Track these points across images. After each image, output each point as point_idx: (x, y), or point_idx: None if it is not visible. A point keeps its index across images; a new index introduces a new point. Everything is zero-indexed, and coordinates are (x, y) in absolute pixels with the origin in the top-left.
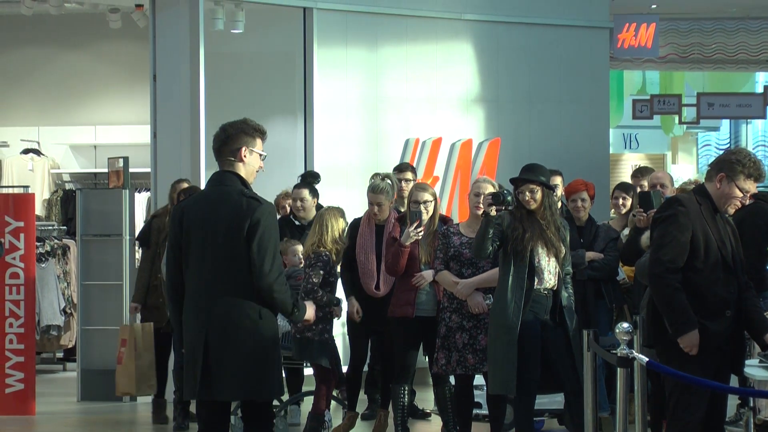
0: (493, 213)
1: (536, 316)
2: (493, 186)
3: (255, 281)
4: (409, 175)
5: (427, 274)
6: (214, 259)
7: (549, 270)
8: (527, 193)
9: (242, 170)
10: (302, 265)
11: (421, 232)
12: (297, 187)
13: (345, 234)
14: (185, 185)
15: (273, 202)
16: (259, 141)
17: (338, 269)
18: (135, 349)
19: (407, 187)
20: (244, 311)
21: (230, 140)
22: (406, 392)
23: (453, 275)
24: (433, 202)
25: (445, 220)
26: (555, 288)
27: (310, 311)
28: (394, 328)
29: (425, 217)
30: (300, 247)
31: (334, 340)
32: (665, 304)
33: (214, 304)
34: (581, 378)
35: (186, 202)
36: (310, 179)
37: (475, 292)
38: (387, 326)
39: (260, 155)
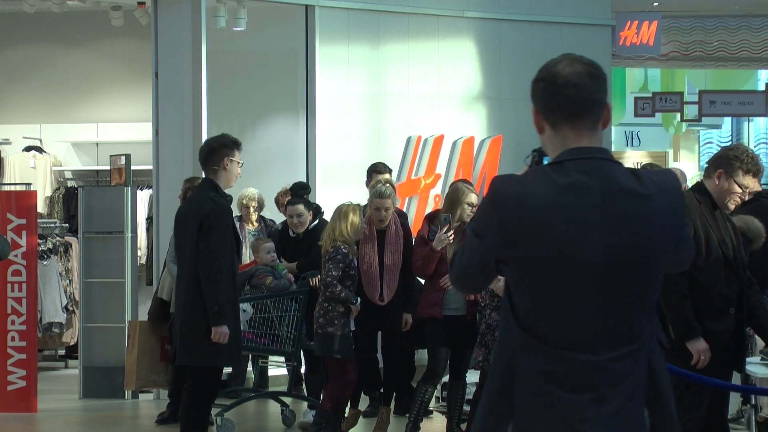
0: None
1: None
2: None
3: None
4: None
5: None
6: (183, 250)
7: None
8: None
9: (223, 177)
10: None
11: (452, 236)
12: (291, 203)
13: (357, 229)
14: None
15: (274, 200)
16: (236, 152)
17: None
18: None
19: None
20: (194, 294)
21: (213, 152)
22: (429, 393)
23: None
24: None
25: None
26: None
27: (222, 330)
28: (424, 328)
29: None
30: (271, 245)
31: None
32: (673, 310)
33: (180, 288)
34: None
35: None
36: (301, 192)
37: None
38: (391, 325)
39: (238, 163)
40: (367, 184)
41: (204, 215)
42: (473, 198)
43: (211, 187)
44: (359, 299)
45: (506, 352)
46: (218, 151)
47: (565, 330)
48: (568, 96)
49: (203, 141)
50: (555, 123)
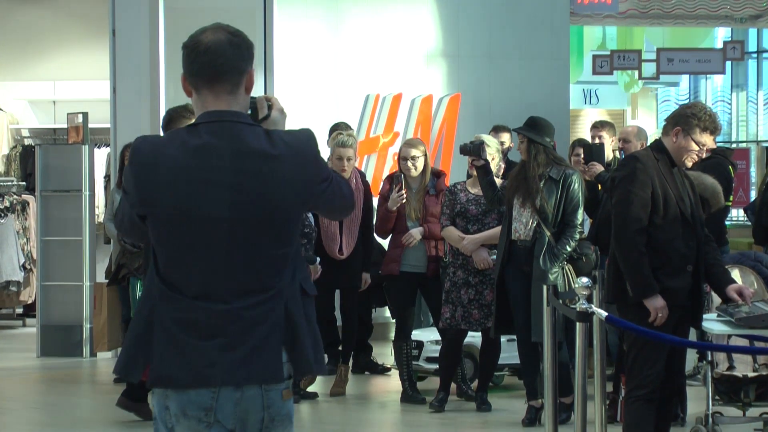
0: (479, 164)
1: (518, 266)
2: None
3: None
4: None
5: (416, 232)
6: None
7: (521, 221)
8: (519, 143)
9: None
10: None
11: (404, 195)
12: None
13: None
14: None
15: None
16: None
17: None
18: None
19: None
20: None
21: (172, 121)
22: (409, 348)
23: (459, 231)
24: (422, 157)
25: (438, 174)
26: (530, 239)
27: None
28: (386, 286)
29: (414, 173)
30: None
31: None
32: (630, 267)
33: None
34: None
35: None
36: None
37: (480, 248)
38: (349, 284)
39: None
40: (329, 143)
41: None
42: (407, 152)
43: None
44: (318, 258)
45: (148, 300)
46: (176, 120)
47: (196, 281)
48: (206, 62)
49: (161, 99)
50: (197, 87)
